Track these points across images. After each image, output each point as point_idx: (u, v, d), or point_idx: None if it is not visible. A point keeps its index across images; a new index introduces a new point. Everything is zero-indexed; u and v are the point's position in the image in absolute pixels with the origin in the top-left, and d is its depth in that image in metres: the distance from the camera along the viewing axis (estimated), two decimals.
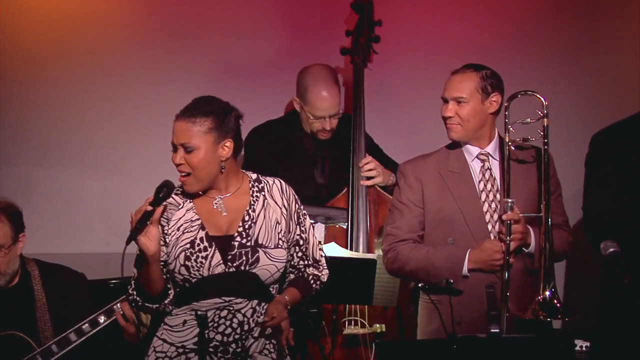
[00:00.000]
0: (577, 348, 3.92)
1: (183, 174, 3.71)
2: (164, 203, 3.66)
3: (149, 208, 3.60)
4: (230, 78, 5.47)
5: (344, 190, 5.10)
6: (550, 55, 5.68)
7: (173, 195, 3.77)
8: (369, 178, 5.05)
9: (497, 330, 3.45)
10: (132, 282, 3.70)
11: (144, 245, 3.58)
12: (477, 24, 5.67)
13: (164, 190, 3.65)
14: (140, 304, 3.69)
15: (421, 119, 5.61)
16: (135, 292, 3.69)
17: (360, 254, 4.85)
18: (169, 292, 3.70)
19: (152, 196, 3.64)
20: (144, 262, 3.62)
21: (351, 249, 4.94)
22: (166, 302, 3.70)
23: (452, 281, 3.91)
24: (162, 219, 3.67)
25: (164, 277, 3.69)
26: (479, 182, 4.29)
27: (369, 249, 5.00)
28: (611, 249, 3.86)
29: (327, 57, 5.38)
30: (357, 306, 4.91)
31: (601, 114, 5.39)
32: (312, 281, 3.87)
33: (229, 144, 3.71)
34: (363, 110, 5.16)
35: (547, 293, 4.06)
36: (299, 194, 3.91)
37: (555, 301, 4.05)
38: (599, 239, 3.97)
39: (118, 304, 4.23)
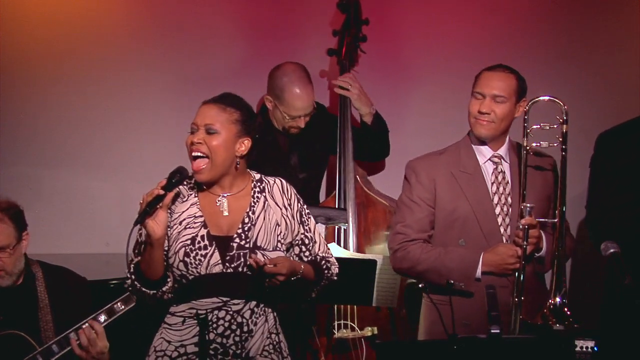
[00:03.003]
0: (578, 349, 3.92)
1: (198, 155, 3.69)
2: (175, 189, 3.66)
3: (161, 192, 3.60)
4: (219, 80, 5.44)
5: (333, 193, 5.09)
6: (550, 55, 5.66)
7: (180, 186, 3.76)
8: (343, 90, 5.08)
9: (498, 331, 3.45)
10: (131, 266, 3.69)
11: (151, 228, 3.58)
12: (471, 22, 5.62)
13: (177, 176, 3.65)
14: (138, 288, 3.68)
15: (409, 119, 5.58)
16: (134, 277, 3.68)
17: (360, 255, 4.84)
18: (168, 279, 3.70)
19: (165, 180, 3.64)
20: (148, 246, 3.62)
21: None
22: (164, 289, 3.69)
23: (452, 282, 3.91)
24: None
25: (164, 264, 3.69)
26: (492, 184, 4.26)
27: (359, 251, 4.97)
28: (611, 250, 3.87)
29: (313, 59, 5.36)
30: (348, 309, 4.88)
31: (603, 115, 5.39)
32: (324, 266, 3.85)
33: (247, 142, 3.74)
34: (350, 113, 5.14)
35: (558, 299, 4.05)
36: None
37: (566, 309, 4.04)
38: (601, 239, 3.98)
39: (86, 324, 4.20)
